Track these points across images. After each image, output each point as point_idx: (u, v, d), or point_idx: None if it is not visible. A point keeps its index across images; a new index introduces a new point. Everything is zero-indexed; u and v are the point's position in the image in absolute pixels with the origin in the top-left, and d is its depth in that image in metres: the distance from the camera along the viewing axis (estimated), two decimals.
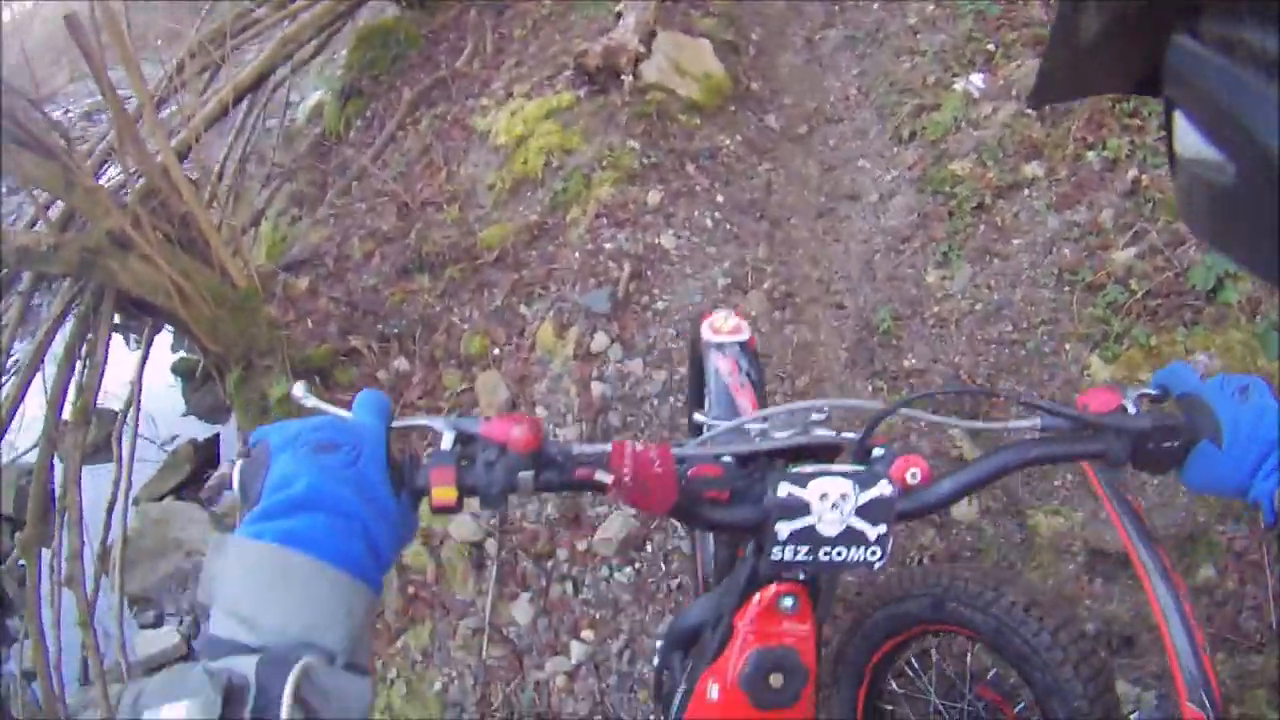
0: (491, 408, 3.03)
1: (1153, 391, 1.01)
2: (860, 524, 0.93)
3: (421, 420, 0.89)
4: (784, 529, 0.93)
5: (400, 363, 3.46)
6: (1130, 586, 2.19)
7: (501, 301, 3.23)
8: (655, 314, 2.83)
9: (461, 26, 4.98)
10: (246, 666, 0.62)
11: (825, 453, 1.03)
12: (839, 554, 0.94)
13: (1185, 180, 0.49)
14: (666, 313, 2.81)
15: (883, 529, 0.93)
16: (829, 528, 0.93)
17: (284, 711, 0.59)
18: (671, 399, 2.67)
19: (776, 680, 1.03)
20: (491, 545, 2.85)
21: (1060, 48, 0.55)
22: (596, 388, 2.74)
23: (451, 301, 3.43)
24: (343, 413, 0.84)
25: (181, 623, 4.13)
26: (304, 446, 0.76)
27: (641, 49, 3.53)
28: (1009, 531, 2.32)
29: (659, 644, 1.39)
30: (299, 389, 0.90)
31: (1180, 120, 0.48)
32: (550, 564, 2.72)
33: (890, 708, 1.85)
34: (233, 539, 0.71)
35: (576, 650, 2.57)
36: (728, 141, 3.40)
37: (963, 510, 2.35)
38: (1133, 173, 2.77)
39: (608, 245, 3.01)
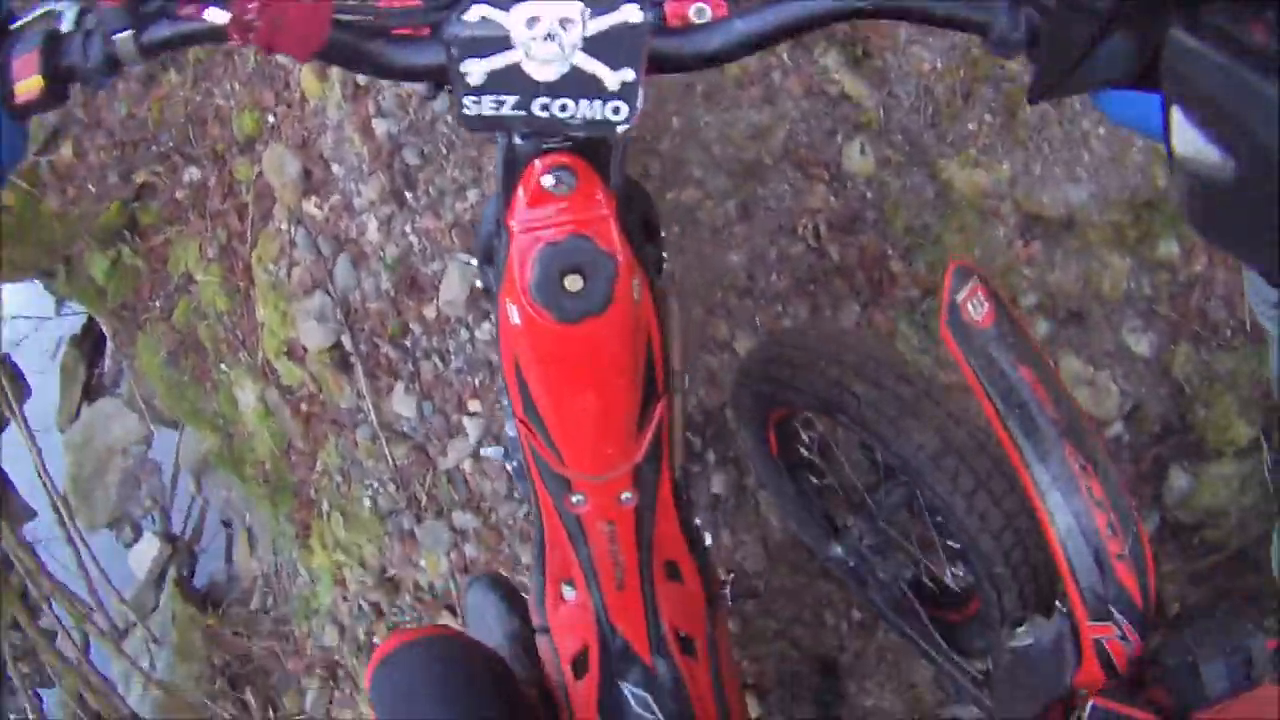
0: (287, 189, 2.52)
1: None
2: (591, 64, 0.66)
3: (40, 7, 0.71)
4: (476, 69, 0.66)
5: (191, 172, 2.97)
6: (1075, 251, 1.76)
7: (255, 59, 2.60)
8: None
9: None
10: None
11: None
12: (563, 108, 0.68)
13: (1184, 177, 0.47)
14: None
15: (628, 75, 0.66)
16: (543, 69, 0.66)
17: None
18: None
19: (574, 283, 0.77)
20: (347, 340, 2.51)
21: (1057, 43, 0.53)
22: (379, 126, 2.19)
23: (208, 84, 2.79)
24: None
25: (154, 521, 3.97)
26: None
27: None
28: (917, 186, 1.81)
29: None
30: None
31: (1178, 117, 0.46)
32: (409, 342, 2.38)
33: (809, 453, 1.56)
34: None
35: (471, 427, 2.33)
36: None
37: (856, 162, 1.83)
38: None
39: None
